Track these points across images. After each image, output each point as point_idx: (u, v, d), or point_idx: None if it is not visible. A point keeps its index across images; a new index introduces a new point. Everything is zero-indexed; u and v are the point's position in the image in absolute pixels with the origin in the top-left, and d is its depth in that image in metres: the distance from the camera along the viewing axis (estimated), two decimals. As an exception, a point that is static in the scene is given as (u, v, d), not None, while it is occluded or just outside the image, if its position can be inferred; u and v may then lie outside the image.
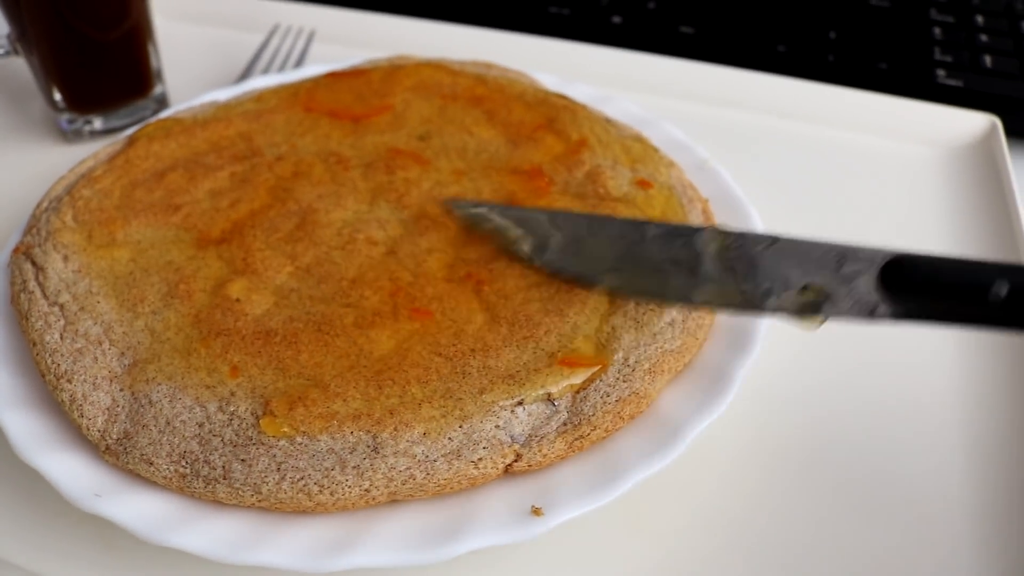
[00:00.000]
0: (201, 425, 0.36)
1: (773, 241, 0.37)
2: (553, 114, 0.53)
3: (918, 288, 0.33)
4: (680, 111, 0.67)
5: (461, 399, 0.36)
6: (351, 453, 0.35)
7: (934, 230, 0.56)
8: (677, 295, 0.39)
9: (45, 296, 0.41)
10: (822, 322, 0.35)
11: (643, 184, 0.48)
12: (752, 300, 0.36)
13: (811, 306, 0.35)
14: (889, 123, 0.66)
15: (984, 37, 0.76)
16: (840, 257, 0.35)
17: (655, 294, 0.40)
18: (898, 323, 0.33)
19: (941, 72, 0.71)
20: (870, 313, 0.34)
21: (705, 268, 0.38)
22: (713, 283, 0.38)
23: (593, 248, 0.41)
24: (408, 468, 0.35)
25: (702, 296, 0.38)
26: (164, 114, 0.55)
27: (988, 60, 0.73)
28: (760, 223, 0.48)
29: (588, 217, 0.43)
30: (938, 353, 0.47)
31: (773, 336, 0.47)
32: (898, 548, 0.38)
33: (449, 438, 0.35)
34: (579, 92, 0.60)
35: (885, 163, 0.63)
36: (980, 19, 0.78)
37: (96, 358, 0.39)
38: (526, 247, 0.42)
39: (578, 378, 0.38)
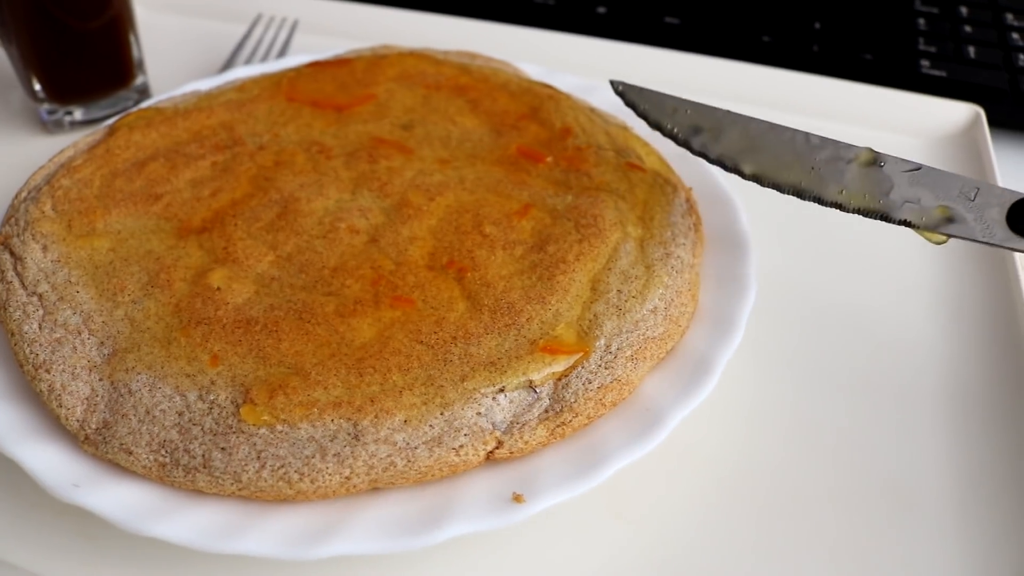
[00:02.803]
0: (181, 414, 0.36)
1: (917, 167, 0.40)
2: (537, 103, 0.53)
3: None
4: (665, 101, 0.67)
5: (442, 386, 0.36)
6: (332, 441, 0.34)
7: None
8: (815, 188, 0.41)
9: (24, 286, 0.41)
10: (947, 238, 0.39)
11: (633, 167, 0.48)
12: (888, 207, 0.40)
13: (942, 221, 0.39)
14: (873, 113, 0.66)
15: (968, 28, 0.76)
16: (974, 190, 0.39)
17: (792, 183, 0.42)
18: (1016, 250, 0.38)
19: (925, 63, 0.72)
20: (992, 238, 0.38)
21: (850, 174, 0.41)
22: (854, 185, 0.40)
23: (741, 135, 0.44)
24: (389, 455, 0.34)
25: (840, 194, 0.40)
26: (145, 104, 0.55)
27: (972, 51, 0.73)
28: (744, 212, 0.48)
29: (749, 118, 0.45)
30: (923, 336, 0.48)
31: (756, 322, 0.47)
32: (881, 533, 0.38)
33: (430, 425, 0.35)
34: (564, 82, 0.59)
35: (869, 153, 0.63)
36: (964, 10, 0.79)
37: (75, 348, 0.38)
38: (677, 128, 0.45)
39: (560, 365, 0.37)
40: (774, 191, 0.53)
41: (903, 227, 0.41)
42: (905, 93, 0.67)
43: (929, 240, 0.39)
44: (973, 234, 0.38)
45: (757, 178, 0.42)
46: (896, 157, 0.41)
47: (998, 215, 0.38)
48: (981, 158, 0.61)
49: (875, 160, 0.41)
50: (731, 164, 0.43)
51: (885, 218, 0.40)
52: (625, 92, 0.47)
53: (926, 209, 0.39)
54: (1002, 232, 0.38)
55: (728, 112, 0.44)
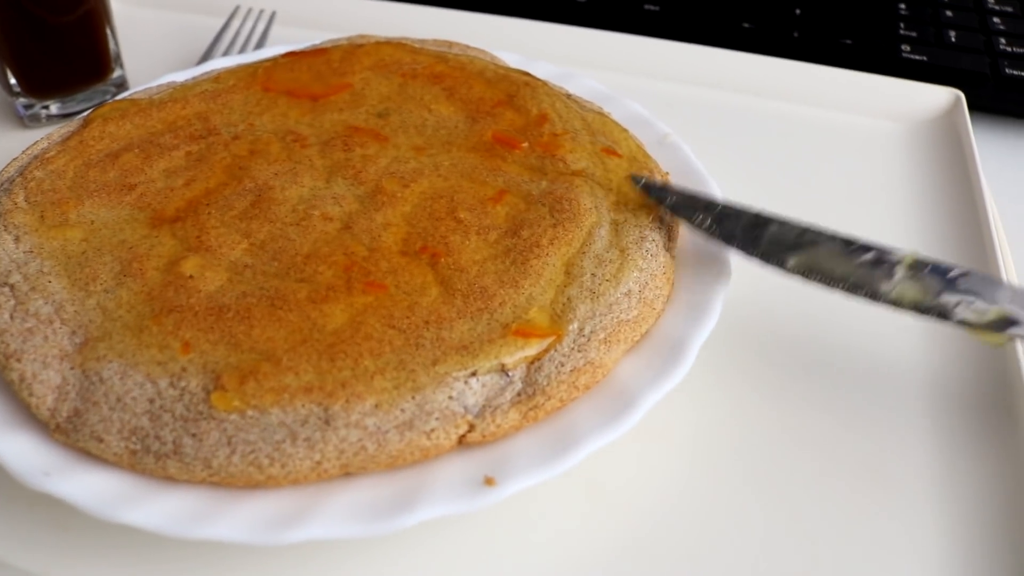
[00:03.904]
0: (152, 401, 0.36)
1: (964, 272, 0.39)
2: (513, 90, 0.53)
3: None
4: (644, 89, 0.67)
5: (414, 371, 0.36)
6: (302, 426, 0.34)
7: (898, 203, 0.57)
8: (869, 284, 0.40)
9: (-5, 277, 0.41)
10: (1009, 340, 0.38)
11: (609, 153, 0.48)
12: (944, 305, 0.39)
13: (1001, 323, 0.38)
14: (854, 98, 0.66)
15: (948, 13, 0.77)
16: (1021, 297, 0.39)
17: (844, 277, 0.40)
18: None
19: (906, 47, 0.72)
20: None
21: (898, 274, 0.40)
22: (905, 284, 0.39)
23: (780, 232, 0.43)
24: (360, 440, 0.34)
25: (894, 291, 0.39)
26: (121, 96, 0.54)
27: (952, 35, 0.73)
28: (720, 194, 0.48)
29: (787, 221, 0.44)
30: (903, 318, 0.48)
31: (731, 307, 0.47)
32: (861, 516, 0.38)
33: (401, 409, 0.35)
34: (541, 70, 0.59)
35: (850, 137, 0.63)
36: (944, -5, 0.79)
37: (47, 337, 0.38)
38: (708, 220, 0.44)
39: (532, 349, 0.37)
40: (755, 176, 0.53)
41: (960, 328, 0.39)
42: (886, 78, 0.67)
43: (987, 343, 0.39)
44: None
45: (804, 271, 0.41)
46: (939, 261, 0.40)
47: None
48: (961, 142, 0.61)
49: (920, 262, 0.40)
50: (775, 260, 0.42)
51: (942, 315, 0.39)
52: (648, 187, 0.46)
53: (981, 311, 0.38)
54: None
55: (758, 211, 0.44)
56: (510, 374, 0.37)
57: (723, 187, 0.51)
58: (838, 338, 0.47)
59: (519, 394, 0.37)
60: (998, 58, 0.70)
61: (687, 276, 0.44)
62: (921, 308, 0.39)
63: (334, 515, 0.33)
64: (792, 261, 0.41)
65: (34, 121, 0.62)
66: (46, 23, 0.58)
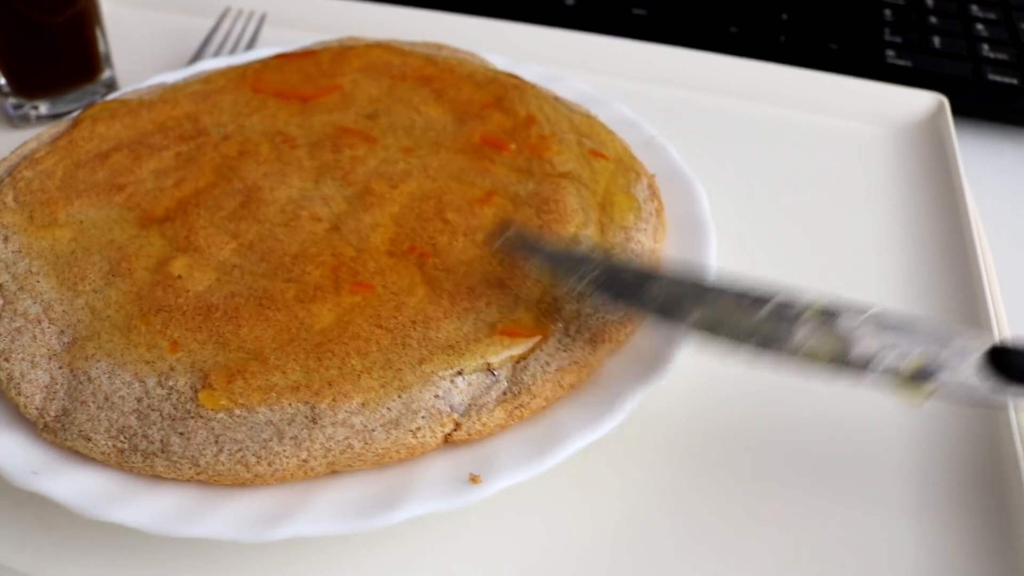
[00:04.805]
0: (140, 400, 0.36)
1: (875, 314, 0.36)
2: (502, 92, 0.53)
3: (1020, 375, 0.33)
4: (632, 92, 0.68)
5: (400, 370, 0.36)
6: (289, 424, 0.35)
7: (881, 206, 0.57)
8: (778, 340, 0.35)
9: (-16, 276, 0.41)
10: (930, 394, 0.34)
11: (596, 155, 0.48)
12: (855, 360, 0.34)
13: (921, 374, 0.34)
14: (839, 101, 0.67)
15: (933, 19, 0.77)
16: (944, 337, 0.35)
17: (748, 334, 0.36)
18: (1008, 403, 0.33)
19: (891, 52, 0.72)
20: (975, 394, 0.33)
21: (807, 324, 0.35)
22: (819, 340, 0.35)
23: (675, 287, 0.38)
24: (346, 438, 0.35)
25: (808, 345, 0.35)
26: (111, 96, 0.55)
27: (937, 41, 0.74)
28: (706, 198, 0.48)
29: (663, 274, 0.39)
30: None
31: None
32: (839, 515, 0.39)
33: (388, 408, 0.35)
34: (529, 72, 0.60)
35: (835, 140, 0.64)
36: (929, 1, 0.80)
37: (35, 336, 0.38)
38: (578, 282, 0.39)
39: (518, 348, 0.38)
40: (741, 178, 0.53)
41: (883, 381, 0.34)
42: (871, 82, 0.67)
43: (909, 400, 0.35)
44: (958, 386, 0.33)
45: (706, 330, 0.36)
46: (846, 304, 0.36)
47: (975, 363, 0.34)
48: (944, 146, 0.61)
49: (828, 309, 0.36)
50: (674, 315, 0.37)
51: (862, 368, 0.34)
52: (520, 243, 0.41)
53: (903, 357, 0.34)
54: (985, 383, 0.33)
55: (638, 265, 0.40)
56: (496, 373, 0.37)
57: (708, 189, 0.51)
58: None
59: (505, 393, 0.37)
60: (981, 64, 0.71)
61: (672, 277, 0.44)
62: (838, 361, 0.34)
63: (321, 512, 0.34)
64: (694, 316, 0.37)
65: (23, 121, 0.62)
66: (36, 23, 0.58)
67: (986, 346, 0.34)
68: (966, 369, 0.34)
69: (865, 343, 0.34)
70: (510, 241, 0.41)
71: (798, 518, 0.39)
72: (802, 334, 0.35)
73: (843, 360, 0.34)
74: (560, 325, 0.39)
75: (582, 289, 0.39)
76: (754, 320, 0.36)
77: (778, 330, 0.35)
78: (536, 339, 0.38)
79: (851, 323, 0.35)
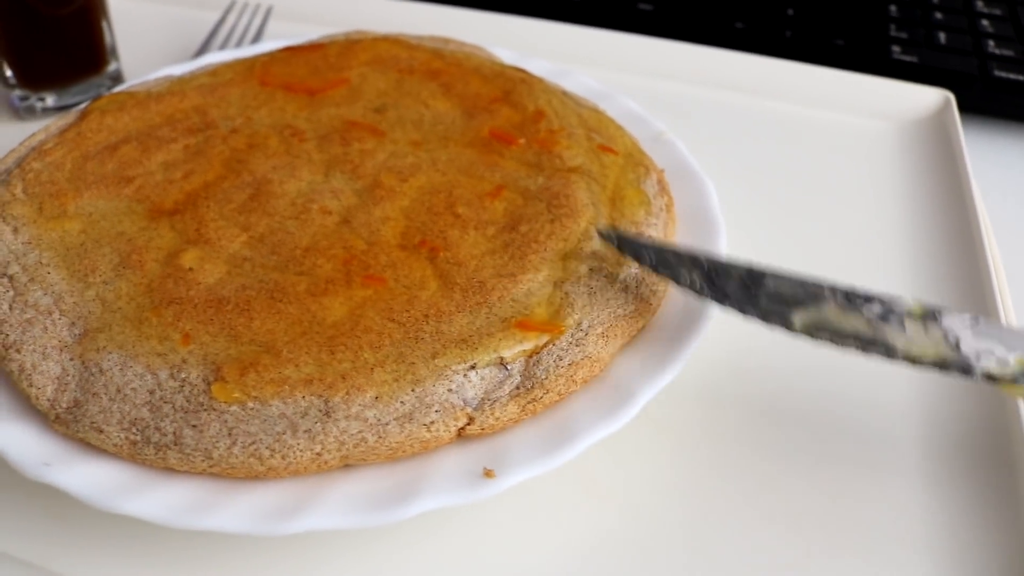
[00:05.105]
0: (152, 392, 0.36)
1: (975, 319, 0.36)
2: (510, 87, 0.53)
3: None
4: (638, 87, 0.68)
5: (414, 363, 0.36)
6: (303, 417, 0.35)
7: (888, 202, 0.57)
8: (883, 339, 0.36)
9: (-6, 268, 0.41)
10: None
11: (605, 150, 0.48)
12: (966, 358, 0.35)
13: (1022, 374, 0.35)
14: (845, 98, 0.67)
15: (939, 15, 0.77)
16: None
17: (856, 334, 0.36)
18: None
19: (896, 48, 0.72)
20: None
21: (911, 326, 0.36)
22: (921, 337, 0.36)
23: (778, 288, 0.38)
24: (360, 432, 0.35)
25: (910, 346, 0.36)
26: (118, 89, 0.54)
27: (942, 37, 0.74)
28: (715, 195, 0.48)
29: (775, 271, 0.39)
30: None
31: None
32: (851, 508, 0.39)
33: (401, 402, 0.35)
34: (536, 67, 0.60)
35: (841, 136, 0.64)
36: (935, -4, 0.80)
37: (46, 328, 0.38)
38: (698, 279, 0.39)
39: (531, 343, 0.38)
40: (748, 175, 0.53)
41: (986, 382, 0.36)
42: (876, 78, 0.67)
43: (1013, 395, 0.36)
44: None
45: (811, 330, 0.37)
46: (945, 307, 0.37)
47: None
48: (951, 143, 0.62)
49: (929, 311, 0.36)
50: (778, 319, 0.38)
51: (965, 370, 0.35)
52: (623, 242, 0.42)
53: (1004, 361, 0.35)
54: None
55: (743, 266, 0.39)
56: (509, 368, 0.37)
57: (716, 184, 0.51)
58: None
59: (518, 387, 0.37)
60: (987, 60, 0.71)
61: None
62: (943, 364, 0.36)
63: (334, 506, 0.34)
64: (798, 320, 0.37)
65: (29, 113, 0.62)
66: (42, 15, 0.58)
67: None
68: None
69: (967, 344, 0.35)
70: (612, 240, 0.42)
71: (809, 514, 0.39)
72: (907, 335, 0.36)
73: (949, 360, 0.35)
74: (572, 320, 0.39)
75: (692, 289, 0.39)
76: (859, 322, 0.36)
77: (883, 332, 0.36)
78: (551, 334, 0.38)
79: (952, 325, 0.36)
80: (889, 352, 0.36)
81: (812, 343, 0.36)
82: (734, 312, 0.38)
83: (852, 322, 0.37)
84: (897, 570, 0.36)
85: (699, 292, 0.39)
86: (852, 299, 0.37)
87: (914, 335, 0.36)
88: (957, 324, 0.36)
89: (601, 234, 0.42)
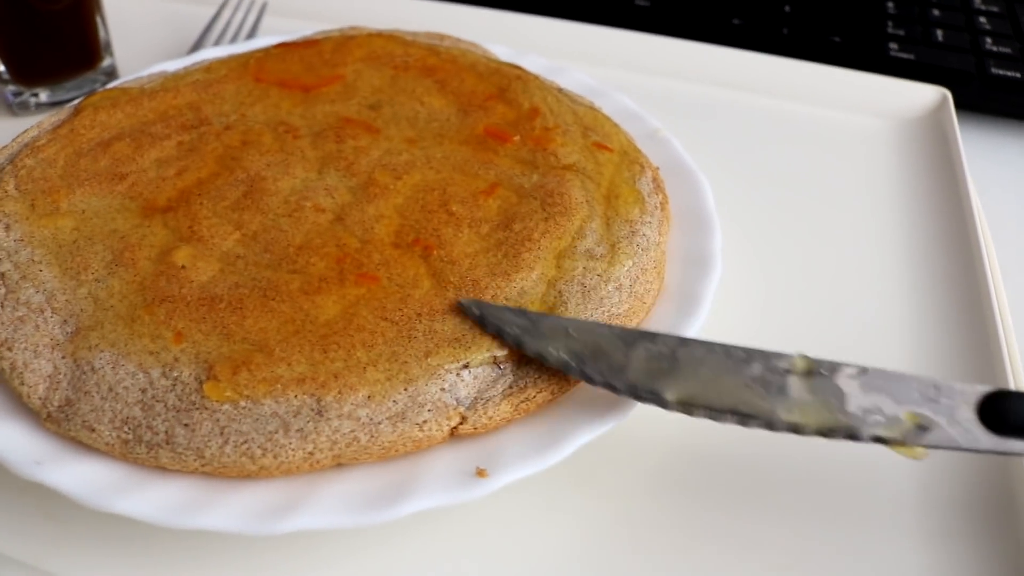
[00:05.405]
0: (144, 391, 0.36)
1: (863, 370, 0.35)
2: (505, 84, 0.53)
3: (1018, 425, 0.33)
4: (634, 83, 0.68)
5: (406, 362, 0.36)
6: (295, 416, 0.34)
7: (885, 199, 0.57)
8: (762, 410, 0.34)
9: (-15, 265, 0.41)
10: (926, 451, 0.33)
11: (600, 147, 0.48)
12: (852, 422, 0.34)
13: (915, 431, 0.33)
14: (842, 95, 0.67)
15: (936, 12, 0.77)
16: (932, 389, 0.34)
17: (731, 407, 0.35)
18: (1006, 455, 0.33)
19: (894, 45, 0.72)
20: (977, 444, 0.33)
21: (793, 388, 0.35)
22: (805, 405, 0.34)
23: (647, 356, 0.36)
24: (352, 431, 0.34)
25: (793, 415, 0.34)
26: (112, 85, 0.54)
27: (939, 34, 0.74)
28: (710, 192, 0.48)
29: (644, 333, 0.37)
30: (889, 318, 0.48)
31: (721, 300, 0.47)
32: (845, 505, 0.39)
33: (394, 401, 0.35)
34: (532, 63, 0.60)
35: (838, 133, 0.64)
36: (932, -6, 0.79)
37: (38, 326, 0.38)
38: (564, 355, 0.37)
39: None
40: (744, 172, 0.52)
41: (876, 444, 0.35)
42: (874, 75, 0.67)
43: (908, 456, 0.33)
44: (954, 442, 0.33)
45: (685, 406, 0.35)
46: (832, 362, 0.35)
47: (970, 414, 0.33)
48: (948, 140, 0.61)
49: (814, 368, 0.35)
50: (646, 393, 0.35)
51: (852, 436, 0.34)
52: (482, 313, 0.38)
53: (894, 420, 0.33)
54: (983, 435, 0.33)
55: (618, 330, 0.37)
56: (502, 366, 0.37)
57: (711, 182, 0.51)
58: (826, 325, 0.47)
59: (511, 386, 0.37)
60: (984, 57, 0.71)
61: (676, 270, 0.44)
62: (827, 431, 0.34)
63: (326, 505, 0.33)
64: (672, 393, 0.35)
65: (23, 109, 0.62)
66: (36, 10, 0.58)
67: (979, 395, 0.33)
68: (962, 420, 0.33)
69: (855, 403, 0.34)
70: (469, 311, 0.38)
71: (804, 513, 0.39)
72: (789, 400, 0.34)
73: (833, 427, 0.34)
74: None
75: (554, 363, 0.37)
76: (737, 388, 0.35)
77: (766, 396, 0.34)
78: None
79: (837, 383, 0.34)
80: (770, 424, 0.34)
81: (688, 416, 0.35)
82: (605, 389, 0.36)
83: (729, 390, 0.35)
84: (890, 570, 0.36)
85: (566, 369, 0.36)
86: (730, 357, 0.35)
87: (798, 397, 0.34)
88: (843, 379, 0.34)
89: (462, 306, 0.38)
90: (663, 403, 0.35)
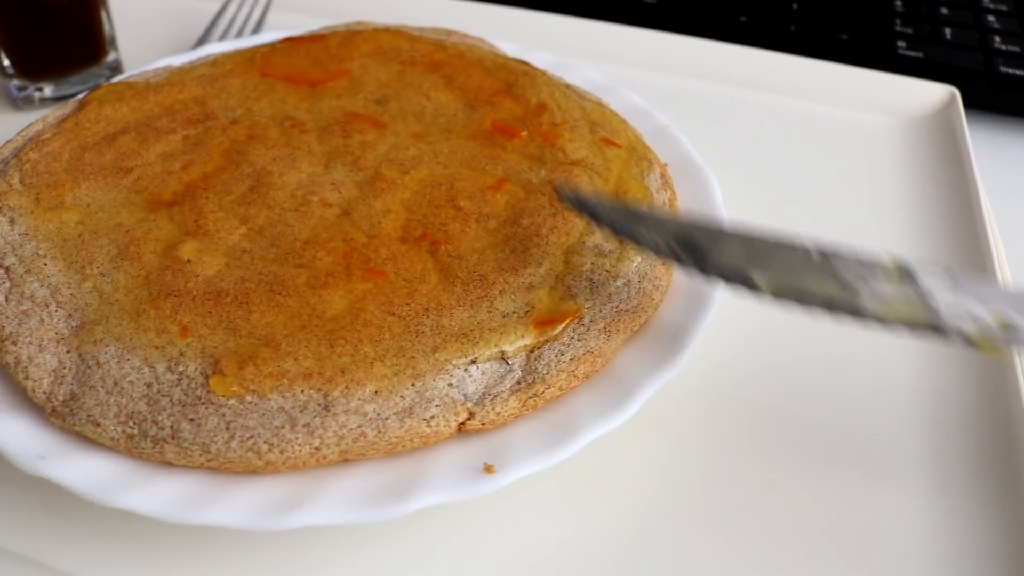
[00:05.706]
0: (149, 385, 0.35)
1: (950, 272, 0.35)
2: (512, 79, 0.53)
3: None
4: (642, 80, 0.67)
5: (414, 358, 0.36)
6: (301, 412, 0.34)
7: (893, 198, 0.57)
8: (850, 299, 0.34)
9: (-10, 259, 0.40)
10: (1009, 353, 0.34)
11: (608, 143, 0.48)
12: (938, 320, 0.33)
13: (1002, 332, 0.33)
14: (850, 93, 0.66)
15: (944, 10, 0.77)
16: (1018, 298, 0.34)
17: (822, 294, 0.35)
18: None
19: (902, 43, 0.72)
20: None
21: (883, 285, 0.34)
22: (891, 296, 0.34)
23: (742, 246, 0.36)
24: (359, 426, 0.34)
25: (879, 306, 0.34)
26: (117, 79, 0.54)
27: (948, 32, 0.74)
28: (719, 189, 0.48)
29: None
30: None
31: (730, 297, 0.47)
32: (853, 505, 0.38)
33: (401, 396, 0.35)
34: (539, 60, 0.59)
35: (846, 132, 0.63)
36: (940, -9, 0.79)
37: (42, 320, 0.38)
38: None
39: (533, 337, 0.37)
40: (752, 170, 0.52)
41: (959, 342, 0.34)
42: (881, 73, 0.67)
43: (992, 357, 0.34)
44: None
45: (775, 291, 0.35)
46: (923, 264, 0.35)
47: None
48: (956, 139, 0.61)
49: (905, 269, 0.35)
50: (736, 276, 0.36)
51: (937, 330, 0.33)
52: (581, 202, 0.39)
53: (980, 319, 0.33)
54: None
55: (705, 222, 0.38)
56: (510, 362, 0.37)
57: (720, 180, 0.51)
58: (836, 325, 0.47)
59: (519, 382, 0.37)
60: (993, 56, 0.70)
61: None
62: (912, 324, 0.34)
63: (333, 501, 0.33)
64: (760, 279, 0.35)
65: (27, 103, 0.61)
66: (41, 4, 0.57)
67: None
68: None
69: (942, 300, 0.34)
70: (568, 199, 0.40)
71: (809, 516, 0.38)
72: (878, 294, 0.34)
73: (920, 320, 0.34)
74: (586, 307, 0.39)
75: (648, 250, 0.37)
76: (828, 280, 0.35)
77: (855, 288, 0.34)
78: (564, 323, 0.38)
79: (927, 281, 0.34)
80: (856, 312, 0.34)
81: (778, 305, 0.35)
82: (694, 273, 0.37)
83: (818, 281, 0.35)
84: (896, 574, 0.36)
85: (658, 252, 0.37)
86: (823, 254, 0.35)
87: (886, 295, 0.34)
88: (930, 279, 0.34)
89: (558, 192, 0.40)
90: (753, 287, 0.35)
